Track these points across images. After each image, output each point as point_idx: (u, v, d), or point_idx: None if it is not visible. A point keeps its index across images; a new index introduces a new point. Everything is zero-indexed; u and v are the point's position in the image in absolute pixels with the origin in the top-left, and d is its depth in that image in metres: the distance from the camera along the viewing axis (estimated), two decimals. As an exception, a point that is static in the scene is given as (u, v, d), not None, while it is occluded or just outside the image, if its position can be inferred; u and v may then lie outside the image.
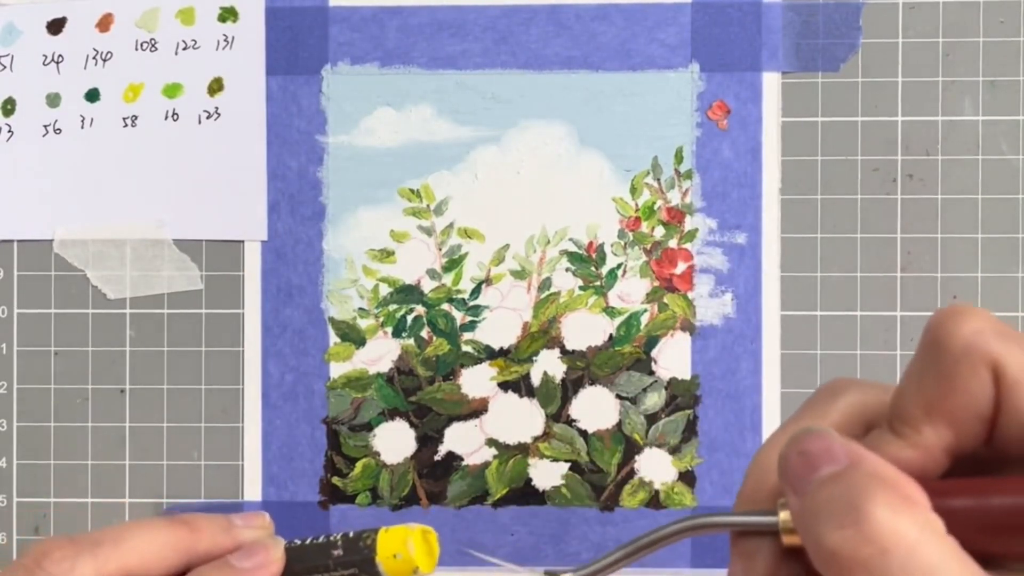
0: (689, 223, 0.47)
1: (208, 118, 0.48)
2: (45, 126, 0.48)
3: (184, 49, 0.48)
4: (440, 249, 0.48)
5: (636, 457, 0.47)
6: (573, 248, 0.48)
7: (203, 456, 0.48)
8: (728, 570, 0.28)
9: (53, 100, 0.48)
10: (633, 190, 0.48)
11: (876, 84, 0.47)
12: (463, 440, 0.48)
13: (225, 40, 0.48)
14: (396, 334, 0.48)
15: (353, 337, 0.48)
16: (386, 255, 0.48)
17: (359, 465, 0.48)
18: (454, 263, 0.48)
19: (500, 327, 0.48)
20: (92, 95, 0.48)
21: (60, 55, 0.48)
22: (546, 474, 0.48)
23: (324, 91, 0.48)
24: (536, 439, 0.48)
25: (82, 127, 0.48)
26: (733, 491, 0.47)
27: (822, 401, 0.29)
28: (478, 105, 0.48)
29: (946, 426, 0.27)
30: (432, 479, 0.48)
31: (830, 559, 0.25)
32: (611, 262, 0.48)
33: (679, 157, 0.47)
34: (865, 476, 0.26)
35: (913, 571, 0.25)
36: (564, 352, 0.48)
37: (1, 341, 0.49)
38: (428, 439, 0.48)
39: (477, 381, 0.48)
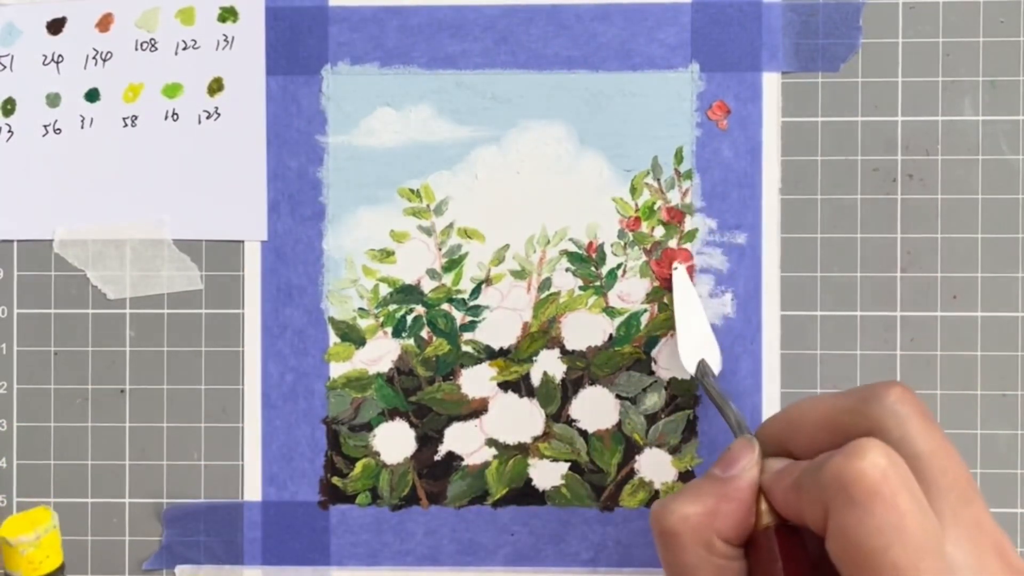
0: (689, 223, 0.47)
1: (208, 118, 0.48)
2: (45, 126, 0.48)
3: (184, 49, 0.48)
4: (440, 249, 0.48)
5: (636, 457, 0.47)
6: (573, 248, 0.48)
7: (203, 456, 0.48)
8: None
9: (53, 100, 0.48)
10: (633, 190, 0.48)
11: (876, 84, 0.47)
12: (463, 440, 0.48)
13: (225, 40, 0.48)
14: (396, 334, 0.48)
15: (353, 337, 0.48)
16: (386, 255, 0.48)
17: (359, 465, 0.48)
18: (454, 263, 0.48)
19: (500, 327, 0.48)
20: (92, 95, 0.48)
21: (60, 55, 0.48)
22: (546, 474, 0.48)
23: (324, 91, 0.48)
24: (536, 439, 0.48)
25: (82, 127, 0.48)
26: (733, 491, 0.47)
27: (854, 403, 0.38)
28: (478, 105, 0.48)
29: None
30: (432, 479, 0.48)
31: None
32: (611, 262, 0.48)
33: (679, 157, 0.47)
34: (709, 492, 0.38)
35: (670, 559, 0.38)
36: (564, 352, 0.48)
37: (1, 341, 0.49)
38: (428, 439, 0.48)
39: (477, 381, 0.48)
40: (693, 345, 0.46)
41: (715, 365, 0.45)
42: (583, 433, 0.48)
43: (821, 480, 0.34)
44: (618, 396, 0.47)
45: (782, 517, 0.37)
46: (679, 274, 0.47)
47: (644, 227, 0.48)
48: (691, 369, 0.45)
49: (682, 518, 0.37)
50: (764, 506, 0.38)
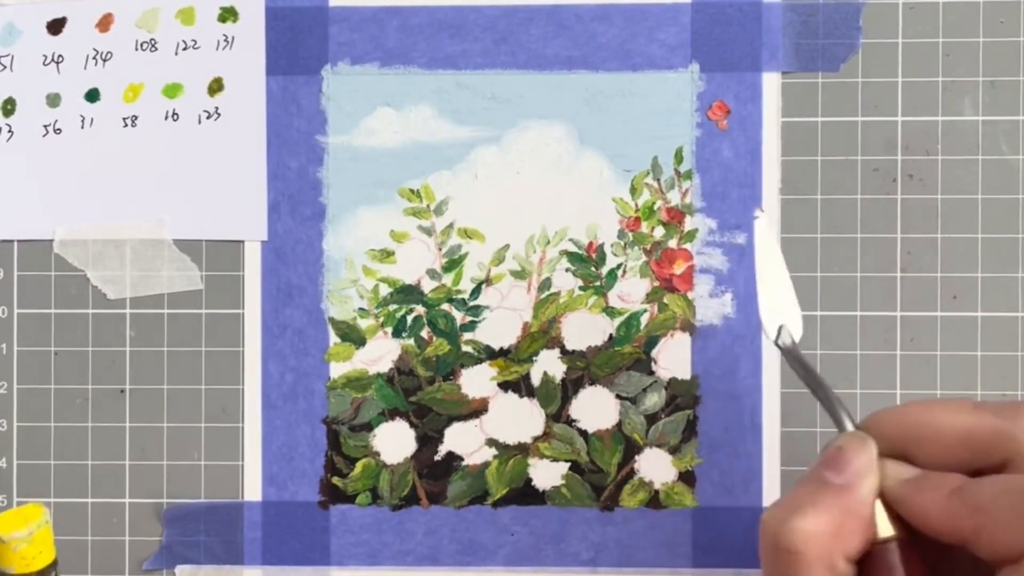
0: (689, 223, 0.47)
1: (208, 118, 0.48)
2: (45, 126, 0.48)
3: (184, 49, 0.48)
4: (440, 249, 0.48)
5: (636, 457, 0.47)
6: (573, 248, 0.48)
7: (203, 456, 0.48)
8: None
9: (53, 100, 0.48)
10: (633, 190, 0.48)
11: (876, 84, 0.47)
12: (463, 440, 0.48)
13: (225, 40, 0.48)
14: (396, 334, 0.48)
15: (353, 337, 0.48)
16: (386, 255, 0.48)
17: (359, 465, 0.48)
18: (454, 263, 0.48)
19: (500, 327, 0.48)
20: (92, 95, 0.48)
21: (60, 55, 0.48)
22: (546, 474, 0.48)
23: (324, 91, 0.48)
24: (536, 439, 0.48)
25: (82, 127, 0.48)
26: (733, 491, 0.47)
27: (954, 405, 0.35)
28: (478, 105, 0.48)
29: None
30: (432, 479, 0.48)
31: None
32: (611, 262, 0.48)
33: (679, 157, 0.47)
34: (831, 504, 0.34)
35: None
36: (564, 352, 0.48)
37: (1, 341, 0.49)
38: (428, 439, 0.48)
39: (477, 381, 0.48)
40: (774, 305, 0.40)
41: (796, 332, 0.40)
42: (583, 433, 0.48)
43: None
44: (618, 396, 0.47)
45: (901, 528, 0.35)
46: (760, 224, 0.41)
47: (644, 227, 0.48)
48: (771, 333, 0.40)
49: (806, 537, 0.33)
50: (882, 515, 0.35)
